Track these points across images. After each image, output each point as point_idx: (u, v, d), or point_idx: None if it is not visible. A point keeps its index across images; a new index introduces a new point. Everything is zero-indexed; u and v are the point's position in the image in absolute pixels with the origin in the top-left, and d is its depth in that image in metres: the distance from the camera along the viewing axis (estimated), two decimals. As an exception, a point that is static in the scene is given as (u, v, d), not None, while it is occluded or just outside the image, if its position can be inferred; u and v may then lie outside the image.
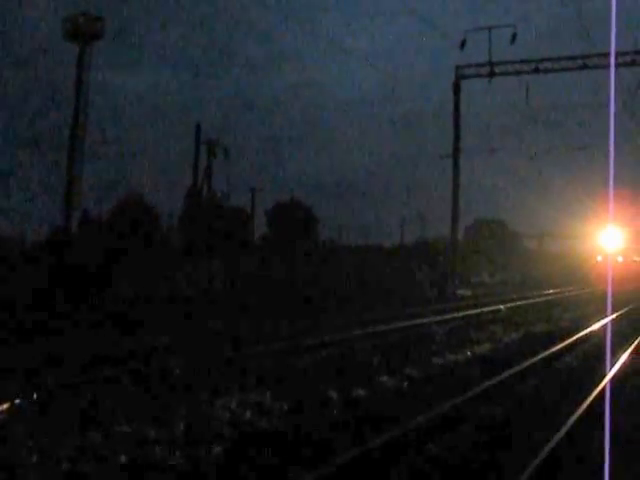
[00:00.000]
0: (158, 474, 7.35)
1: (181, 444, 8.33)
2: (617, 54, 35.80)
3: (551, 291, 54.00)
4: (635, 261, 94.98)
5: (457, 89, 39.80)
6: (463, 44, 37.73)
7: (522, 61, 38.37)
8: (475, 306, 32.60)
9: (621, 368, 14.94)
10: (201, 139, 48.43)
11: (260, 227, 62.49)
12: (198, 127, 47.15)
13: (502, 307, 32.29)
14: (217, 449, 8.21)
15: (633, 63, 36.59)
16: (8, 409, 9.42)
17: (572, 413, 10.14)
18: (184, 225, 48.94)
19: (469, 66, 39.87)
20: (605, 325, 24.05)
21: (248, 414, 9.94)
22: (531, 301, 39.74)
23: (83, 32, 46.28)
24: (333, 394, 11.28)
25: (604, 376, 13.20)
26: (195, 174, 49.17)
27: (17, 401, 9.76)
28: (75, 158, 46.39)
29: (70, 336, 18.05)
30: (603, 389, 11.70)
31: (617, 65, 35.88)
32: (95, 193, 47.46)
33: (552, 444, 8.46)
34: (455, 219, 40.32)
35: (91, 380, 11.49)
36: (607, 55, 35.67)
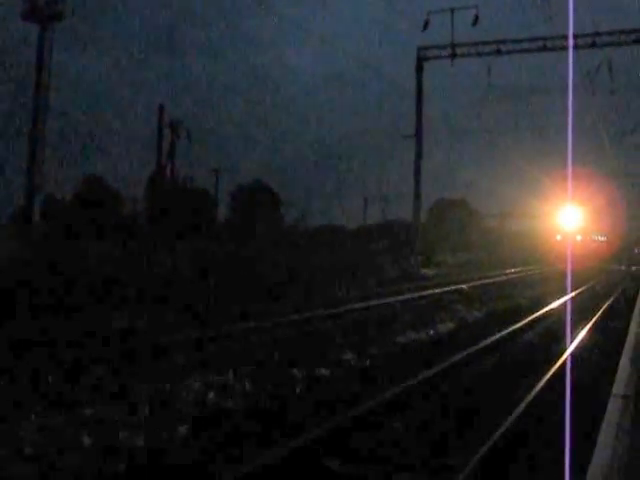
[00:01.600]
0: (121, 455, 7.35)
1: (145, 425, 8.34)
2: (577, 36, 36.22)
3: (512, 270, 54.65)
4: (595, 240, 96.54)
5: (419, 70, 39.94)
6: (426, 25, 37.83)
7: (484, 42, 38.58)
8: (438, 285, 32.88)
9: (579, 344, 15.26)
10: (164, 121, 47.91)
11: (224, 209, 62.30)
12: (161, 108, 46.61)
13: (465, 286, 32.62)
14: (182, 429, 8.23)
15: (593, 45, 36.98)
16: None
17: (532, 387, 10.37)
18: (148, 208, 48.58)
19: (431, 47, 40.00)
20: (565, 303, 24.47)
21: (212, 394, 9.97)
22: (493, 280, 40.19)
23: (43, 12, 45.37)
24: (297, 373, 11.36)
25: (564, 351, 13.49)
26: (159, 156, 48.65)
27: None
28: (37, 141, 45.68)
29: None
30: (563, 363, 11.97)
31: (577, 47, 36.30)
32: (57, 176, 46.79)
33: (512, 419, 8.68)
34: (417, 199, 40.55)
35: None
36: (567, 37, 36.02)
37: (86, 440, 7.63)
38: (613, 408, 8.10)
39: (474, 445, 7.54)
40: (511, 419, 8.53)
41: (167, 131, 49.00)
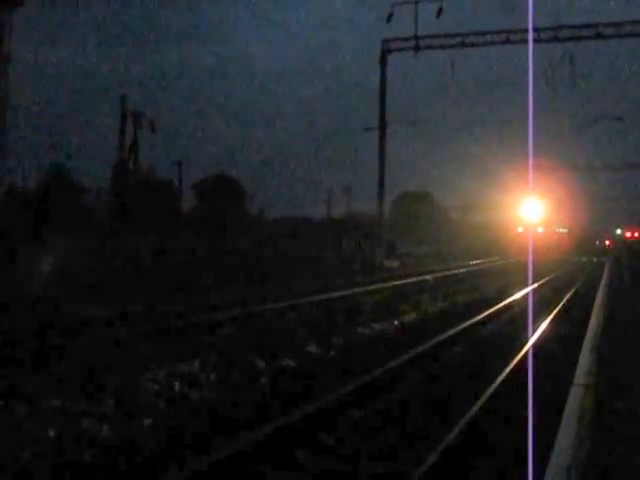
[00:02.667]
0: (87, 448, 7.28)
1: (111, 417, 8.28)
2: (539, 30, 36.58)
3: (475, 262, 55.13)
4: (556, 232, 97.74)
5: (383, 62, 40.00)
6: (390, 17, 37.90)
7: (447, 35, 38.76)
8: (402, 277, 33.06)
9: (541, 335, 15.44)
10: (127, 111, 47.49)
11: (188, 200, 61.98)
12: (123, 99, 46.14)
13: (429, 277, 32.84)
14: (147, 421, 8.19)
15: (555, 39, 37.36)
16: None
17: (495, 378, 10.47)
18: (111, 198, 48.12)
19: (395, 40, 40.08)
20: (527, 294, 24.76)
21: (177, 385, 9.93)
22: (456, 271, 40.51)
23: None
24: (262, 364, 11.35)
25: (526, 342, 13.65)
26: (121, 147, 48.23)
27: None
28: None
29: None
30: (525, 354, 12.12)
31: (539, 40, 36.65)
32: (20, 166, 46.17)
33: (476, 408, 8.77)
34: (381, 191, 40.66)
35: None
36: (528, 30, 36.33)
37: (49, 432, 7.56)
38: (574, 397, 8.23)
39: (425, 448, 7.48)
40: (473, 411, 8.57)
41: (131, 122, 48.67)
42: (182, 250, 35.63)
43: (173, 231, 40.94)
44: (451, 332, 15.23)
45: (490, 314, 19.40)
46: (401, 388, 10.34)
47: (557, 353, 13.57)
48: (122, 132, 47.43)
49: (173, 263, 31.18)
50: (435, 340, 13.91)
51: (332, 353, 12.98)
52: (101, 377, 9.85)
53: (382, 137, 39.67)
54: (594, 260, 72.51)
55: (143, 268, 30.08)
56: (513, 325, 17.88)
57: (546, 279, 34.41)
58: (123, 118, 47.37)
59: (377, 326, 16.80)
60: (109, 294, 19.53)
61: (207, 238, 39.76)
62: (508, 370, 11.10)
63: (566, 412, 7.44)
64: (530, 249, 37.00)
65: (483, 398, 9.17)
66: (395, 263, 47.13)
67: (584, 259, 75.86)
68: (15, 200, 40.72)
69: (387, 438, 7.86)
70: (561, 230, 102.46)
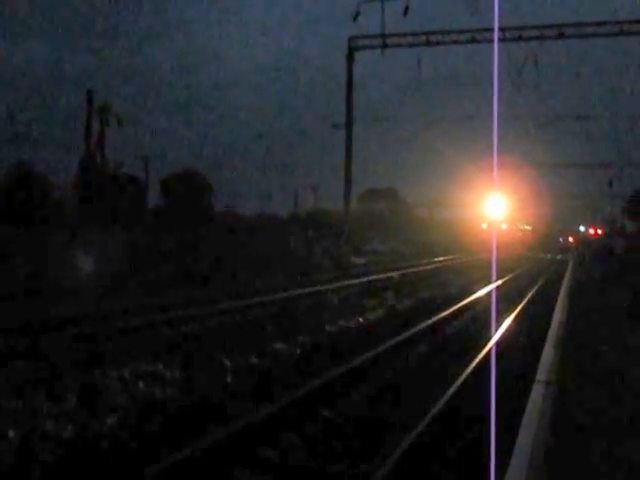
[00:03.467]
0: (49, 448, 7.23)
1: (74, 416, 8.23)
2: (504, 29, 36.89)
3: (441, 259, 55.44)
4: (520, 229, 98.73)
5: (350, 60, 40.08)
6: (356, 15, 37.96)
7: (413, 33, 38.92)
8: (368, 274, 33.18)
9: (505, 332, 15.62)
10: (93, 106, 47.06)
11: (155, 197, 61.53)
12: (90, 94, 45.67)
13: (395, 274, 32.98)
14: (111, 420, 8.15)
15: (520, 38, 37.70)
16: None
17: (459, 375, 10.59)
18: (78, 195, 47.63)
19: (362, 37, 40.16)
20: (491, 291, 24.98)
21: (142, 384, 9.88)
22: (422, 268, 40.73)
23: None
24: (227, 362, 11.34)
25: (490, 339, 13.80)
26: (87, 142, 47.76)
27: None
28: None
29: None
30: (489, 351, 12.26)
31: (504, 40, 36.96)
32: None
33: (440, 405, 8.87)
34: (348, 188, 40.77)
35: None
36: (493, 30, 36.62)
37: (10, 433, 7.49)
38: (536, 393, 8.35)
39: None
40: (433, 412, 8.61)
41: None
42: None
43: (138, 227, 40.51)
44: (416, 329, 15.34)
45: (455, 310, 19.57)
46: (363, 390, 10.40)
47: (519, 349, 13.73)
48: (88, 127, 46.98)
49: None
50: (400, 337, 14.00)
51: (298, 351, 13.00)
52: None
53: (349, 135, 39.76)
54: (558, 257, 73.29)
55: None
56: (477, 321, 18.04)
57: (510, 276, 34.73)
58: (89, 113, 46.94)
59: (343, 323, 16.84)
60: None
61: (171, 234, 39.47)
62: (472, 367, 11.23)
63: (528, 409, 7.56)
64: (494, 246, 37.26)
65: (441, 401, 9.20)
66: (361, 260, 47.27)
67: (548, 256, 76.65)
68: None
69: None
70: (525, 227, 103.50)
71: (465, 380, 10.21)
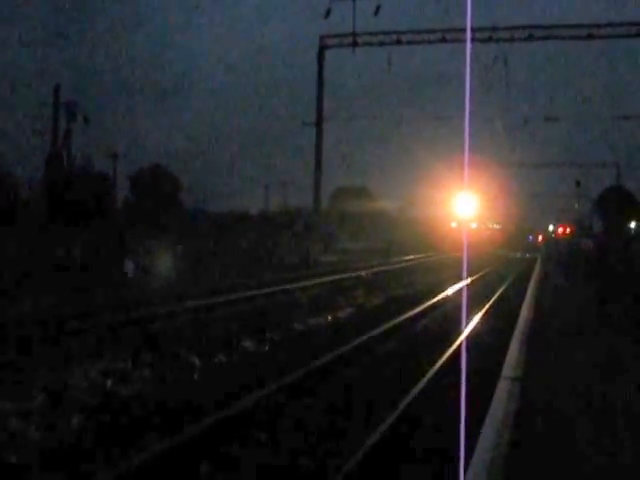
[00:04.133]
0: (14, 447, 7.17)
1: (39, 415, 8.16)
2: (474, 30, 37.07)
3: (411, 257, 55.72)
4: (489, 228, 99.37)
5: (321, 58, 40.08)
6: (328, 13, 37.97)
7: (384, 32, 38.99)
8: (338, 272, 33.22)
9: (474, 328, 15.74)
10: (60, 102, 46.58)
11: (123, 194, 61.10)
12: (57, 89, 45.16)
13: (364, 273, 33.07)
14: (76, 418, 8.09)
15: (490, 39, 37.96)
16: None
17: (426, 372, 10.64)
18: (45, 193, 47.12)
19: (333, 36, 40.17)
20: (461, 289, 25.14)
21: (109, 383, 9.82)
22: (392, 267, 40.89)
23: None
24: (195, 360, 11.30)
25: (460, 334, 13.89)
26: (54, 138, 47.24)
27: None
28: None
29: None
30: (458, 348, 12.34)
31: (474, 40, 37.15)
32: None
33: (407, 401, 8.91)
34: (317, 186, 40.74)
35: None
36: (464, 30, 36.82)
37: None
38: (502, 389, 8.43)
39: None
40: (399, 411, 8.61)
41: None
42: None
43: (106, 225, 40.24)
44: (384, 327, 15.40)
45: (424, 309, 19.66)
46: (331, 386, 10.41)
47: (487, 346, 13.82)
48: (55, 123, 46.48)
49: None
50: (367, 335, 14.04)
51: (266, 348, 13.00)
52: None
53: (319, 133, 39.76)
54: (527, 256, 73.94)
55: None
56: (446, 321, 18.12)
57: (479, 274, 34.97)
58: (56, 109, 46.44)
59: (312, 321, 16.86)
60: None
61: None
62: (439, 364, 11.30)
63: (493, 404, 7.63)
64: (463, 245, 37.48)
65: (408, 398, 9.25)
66: (331, 258, 47.34)
67: (518, 255, 77.35)
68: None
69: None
70: (494, 226, 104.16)
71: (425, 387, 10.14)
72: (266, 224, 57.83)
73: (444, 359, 11.62)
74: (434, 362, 11.27)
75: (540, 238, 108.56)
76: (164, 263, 28.68)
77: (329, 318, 17.72)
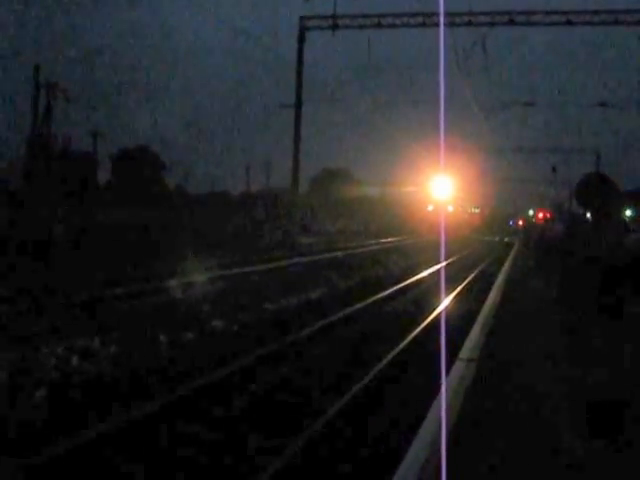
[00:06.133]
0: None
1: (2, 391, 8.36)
2: (453, 14, 37.19)
3: (389, 239, 56.05)
4: (468, 212, 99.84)
5: (301, 40, 40.00)
6: (308, -4, 37.86)
7: (364, 15, 38.97)
8: (314, 253, 33.46)
9: (444, 313, 16.06)
10: (40, 81, 46.35)
11: (105, 173, 60.94)
12: (37, 68, 44.91)
13: (339, 254, 33.34)
14: (39, 394, 8.30)
15: (469, 23, 38.06)
16: None
17: (388, 353, 10.96)
18: (27, 171, 47.04)
19: (313, 18, 40.06)
20: (435, 272, 25.52)
21: (75, 360, 10.00)
22: (369, 249, 41.18)
23: None
24: (163, 338, 11.52)
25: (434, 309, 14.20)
26: (34, 118, 47.07)
27: None
28: None
29: None
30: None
31: (453, 25, 37.27)
32: None
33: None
34: (296, 168, 40.76)
35: None
36: (445, 14, 36.91)
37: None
38: (457, 368, 8.74)
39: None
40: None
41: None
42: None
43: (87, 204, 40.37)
44: (355, 307, 15.74)
45: (397, 290, 20.02)
46: (301, 363, 10.72)
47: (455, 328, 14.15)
48: (35, 103, 46.27)
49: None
50: (337, 315, 14.38)
51: (235, 328, 13.25)
52: None
53: (298, 115, 39.74)
54: (505, 240, 74.49)
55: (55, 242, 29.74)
56: (418, 301, 18.45)
57: (455, 258, 35.36)
58: (36, 88, 46.20)
59: (283, 302, 17.11)
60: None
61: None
62: (400, 347, 11.63)
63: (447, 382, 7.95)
64: (440, 228, 37.84)
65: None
66: (309, 239, 47.52)
67: (496, 238, 77.91)
68: None
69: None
70: (473, 210, 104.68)
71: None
72: (246, 204, 58.00)
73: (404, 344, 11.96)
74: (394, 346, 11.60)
75: (520, 223, 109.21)
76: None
77: (302, 298, 17.97)
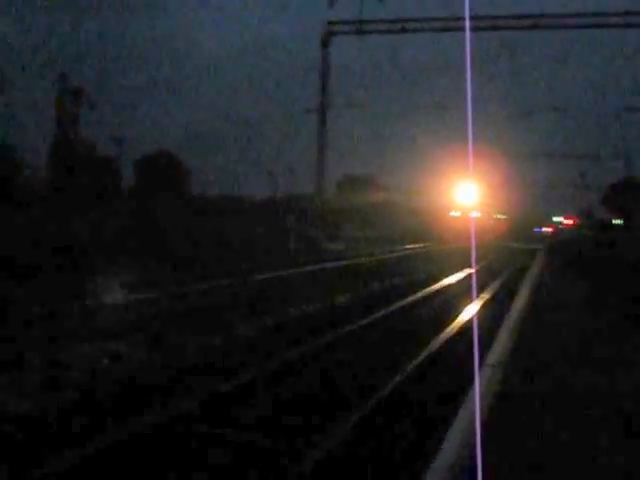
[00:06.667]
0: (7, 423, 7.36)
1: (35, 391, 8.36)
2: (478, 18, 37.08)
3: (416, 245, 55.72)
4: (494, 218, 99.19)
5: (326, 45, 40.11)
6: (332, 1, 37.95)
7: (390, 21, 39.00)
8: (341, 259, 33.34)
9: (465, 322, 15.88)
10: (67, 88, 47.06)
11: (130, 178, 61.47)
12: (63, 76, 45.55)
13: (365, 260, 33.18)
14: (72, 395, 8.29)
15: (494, 28, 37.96)
16: None
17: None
18: (52, 175, 47.70)
19: (339, 23, 40.18)
20: (462, 279, 25.33)
21: (105, 361, 10.02)
22: (397, 255, 40.89)
23: None
24: (191, 344, 11.50)
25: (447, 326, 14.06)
26: (59, 124, 47.75)
27: None
28: None
29: None
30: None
31: (478, 29, 37.15)
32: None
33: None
34: (321, 173, 40.94)
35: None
36: (470, 19, 36.77)
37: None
38: (483, 374, 8.60)
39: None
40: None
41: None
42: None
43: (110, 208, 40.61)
44: (384, 312, 15.74)
45: (424, 295, 19.99)
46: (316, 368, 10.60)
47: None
48: (61, 109, 46.93)
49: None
50: (367, 320, 14.35)
51: (257, 333, 13.18)
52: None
53: (322, 120, 39.91)
54: (532, 247, 73.77)
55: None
56: (443, 310, 18.25)
57: (479, 266, 35.01)
58: (62, 95, 46.86)
59: (310, 307, 17.00)
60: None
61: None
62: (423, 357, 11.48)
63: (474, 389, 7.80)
64: (466, 235, 37.62)
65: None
66: (336, 246, 47.31)
67: (522, 245, 77.23)
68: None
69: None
70: (499, 216, 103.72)
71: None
72: (271, 210, 57.95)
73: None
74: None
75: (550, 229, 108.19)
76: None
77: (328, 303, 17.93)
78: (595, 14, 38.31)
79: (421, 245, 58.33)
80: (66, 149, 48.49)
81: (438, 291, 22.10)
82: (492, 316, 15.22)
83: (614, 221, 68.53)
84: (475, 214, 70.31)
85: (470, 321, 14.95)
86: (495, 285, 25.39)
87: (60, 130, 48.50)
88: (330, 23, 40.46)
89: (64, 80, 46.87)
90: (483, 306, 18.49)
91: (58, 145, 48.30)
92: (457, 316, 15.88)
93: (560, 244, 59.63)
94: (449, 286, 23.74)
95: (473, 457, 4.58)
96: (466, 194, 46.51)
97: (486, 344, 9.78)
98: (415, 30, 38.83)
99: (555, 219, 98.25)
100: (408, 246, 54.10)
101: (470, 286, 23.05)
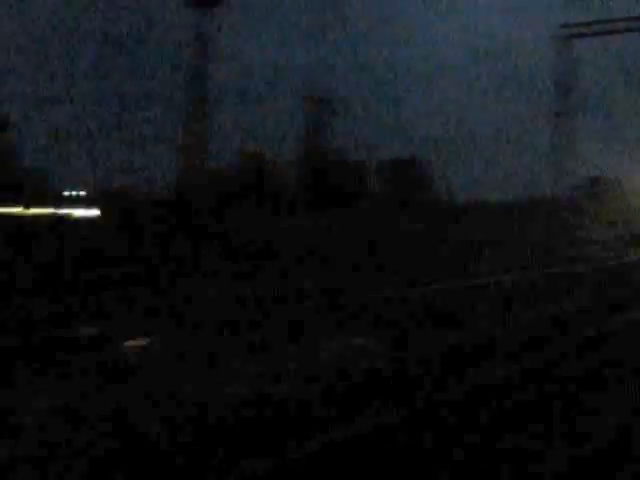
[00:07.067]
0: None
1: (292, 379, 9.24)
2: None
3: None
4: None
5: (563, 48, 38.74)
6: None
7: (629, 19, 36.56)
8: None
9: None
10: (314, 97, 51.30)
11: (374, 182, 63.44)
12: (311, 84, 50.00)
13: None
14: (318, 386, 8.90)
15: None
16: None
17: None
18: (303, 177, 51.70)
19: (576, 25, 38.30)
20: None
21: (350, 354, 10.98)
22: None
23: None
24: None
25: None
26: (307, 128, 51.98)
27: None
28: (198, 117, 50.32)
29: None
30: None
31: None
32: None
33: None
34: (558, 175, 39.88)
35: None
36: None
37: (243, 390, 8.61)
38: None
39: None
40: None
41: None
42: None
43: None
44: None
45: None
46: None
47: None
48: (308, 115, 51.36)
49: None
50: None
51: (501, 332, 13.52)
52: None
53: (565, 123, 39.25)
54: None
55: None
56: None
57: None
58: (310, 103, 51.32)
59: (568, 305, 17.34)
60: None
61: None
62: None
63: None
64: None
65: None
66: (594, 248, 44.58)
67: None
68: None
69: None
70: None
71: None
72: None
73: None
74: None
75: None
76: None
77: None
78: None
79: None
80: (318, 153, 52.50)
81: None
82: None
83: None
84: None
85: None
86: None
87: (306, 136, 52.78)
88: (565, 26, 38.84)
89: (313, 90, 50.98)
90: None
91: (309, 150, 52.43)
92: None
93: None
94: None
95: None
96: None
97: None
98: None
99: None
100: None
101: None
